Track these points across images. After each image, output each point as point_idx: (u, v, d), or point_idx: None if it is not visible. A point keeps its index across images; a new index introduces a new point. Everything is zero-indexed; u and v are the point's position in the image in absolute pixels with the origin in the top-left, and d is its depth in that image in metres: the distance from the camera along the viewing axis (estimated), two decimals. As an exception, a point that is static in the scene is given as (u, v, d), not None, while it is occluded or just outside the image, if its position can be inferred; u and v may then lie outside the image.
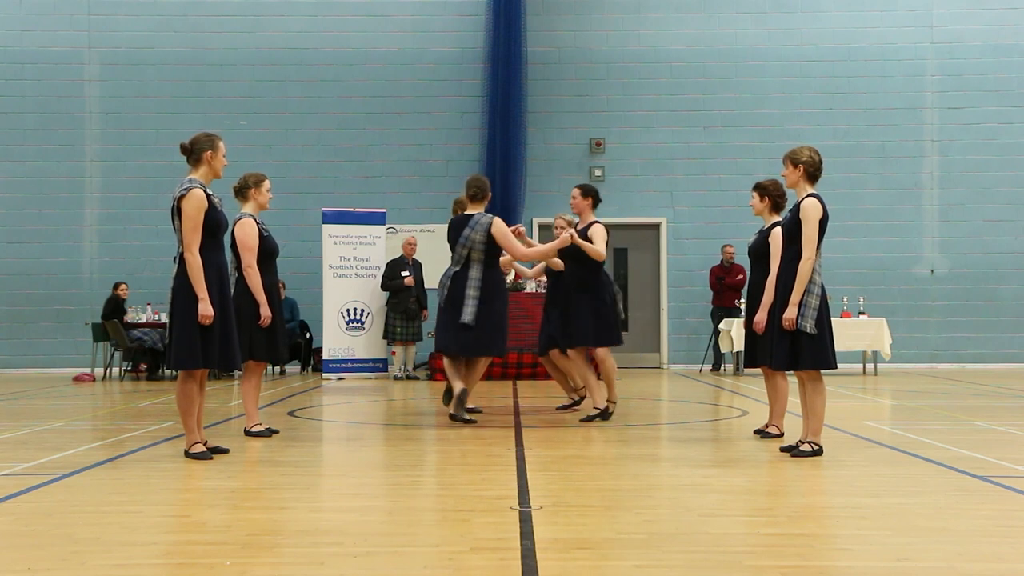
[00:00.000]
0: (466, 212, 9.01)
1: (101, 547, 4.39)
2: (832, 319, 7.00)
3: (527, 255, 9.26)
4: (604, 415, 9.10)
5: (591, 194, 9.19)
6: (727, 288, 16.35)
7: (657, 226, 17.65)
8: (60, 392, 13.10)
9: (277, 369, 16.35)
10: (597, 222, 9.11)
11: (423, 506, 5.44)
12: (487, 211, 9.00)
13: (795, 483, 6.09)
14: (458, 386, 8.89)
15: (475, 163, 17.31)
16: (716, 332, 16.23)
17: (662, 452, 7.59)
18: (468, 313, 8.74)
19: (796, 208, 6.96)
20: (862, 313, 15.99)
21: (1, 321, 17.24)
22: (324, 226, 15.16)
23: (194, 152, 6.87)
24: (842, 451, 7.17)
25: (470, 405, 9.36)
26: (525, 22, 17.27)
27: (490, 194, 9.13)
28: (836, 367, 6.99)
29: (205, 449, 6.87)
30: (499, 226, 8.84)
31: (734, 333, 15.01)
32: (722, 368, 16.56)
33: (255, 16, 17.61)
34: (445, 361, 9.08)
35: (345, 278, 15.22)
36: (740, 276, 16.04)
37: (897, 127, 17.59)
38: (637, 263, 17.93)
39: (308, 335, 16.67)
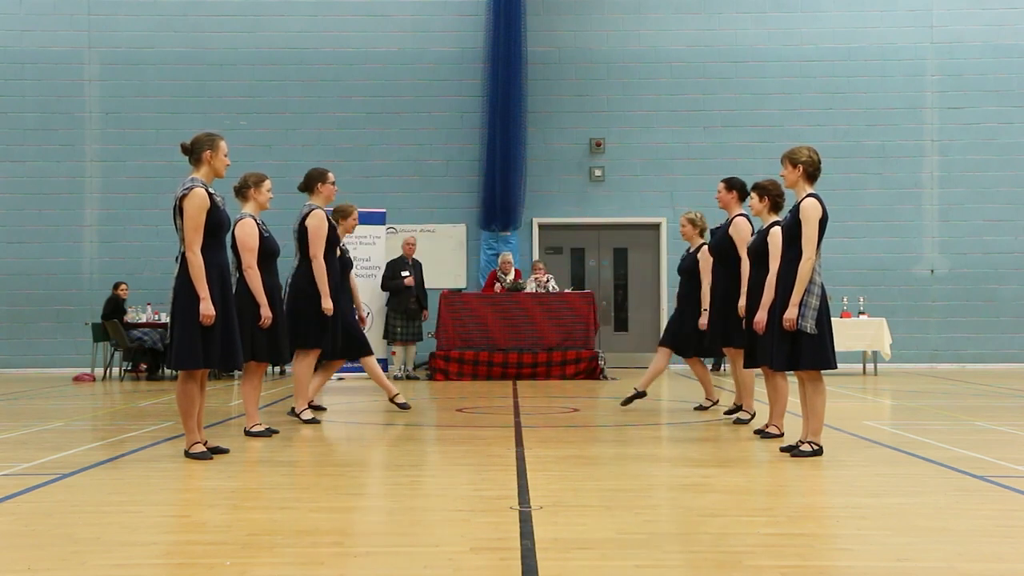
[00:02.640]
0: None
1: (101, 547, 4.39)
2: (832, 319, 7.00)
3: (319, 263, 8.61)
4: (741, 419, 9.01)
5: (736, 187, 8.92)
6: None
7: (657, 226, 17.65)
8: (60, 392, 13.10)
9: (277, 369, 16.34)
10: (742, 215, 8.85)
11: (423, 506, 5.44)
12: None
13: (795, 483, 6.09)
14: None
15: (475, 163, 17.32)
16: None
17: (662, 452, 7.59)
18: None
19: (796, 208, 6.96)
20: (862, 313, 15.99)
21: (1, 321, 17.24)
22: (324, 226, 15.15)
23: (194, 151, 6.88)
24: (842, 451, 7.17)
25: (317, 402, 9.43)
26: (525, 22, 17.27)
27: (319, 184, 8.80)
28: (836, 367, 6.99)
29: (205, 449, 6.87)
30: (312, 218, 8.62)
31: (734, 333, 14.99)
32: (722, 368, 16.55)
33: (255, 16, 17.61)
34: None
35: (345, 278, 15.19)
36: (740, 276, 16.03)
37: (897, 127, 17.59)
38: (637, 263, 17.94)
39: (308, 335, 16.65)
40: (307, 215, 8.68)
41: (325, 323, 8.63)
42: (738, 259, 8.61)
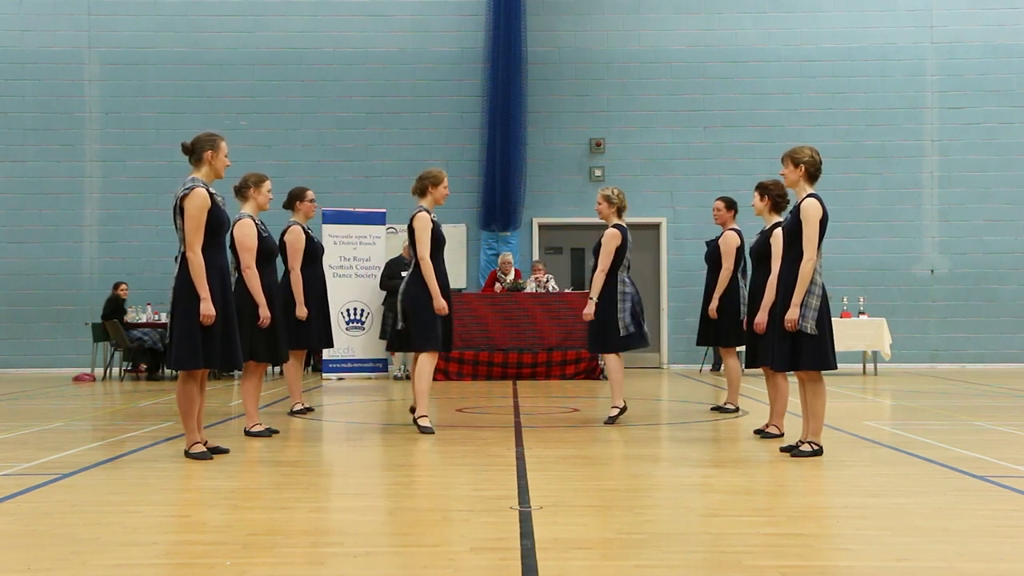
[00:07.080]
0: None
1: (101, 547, 4.39)
2: (832, 319, 6.99)
3: (296, 275, 9.43)
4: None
5: (734, 207, 9.80)
6: (727, 288, 16.34)
7: (657, 226, 17.65)
8: (60, 392, 13.10)
9: (277, 369, 16.34)
10: (734, 229, 9.64)
11: (423, 506, 5.44)
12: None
13: (795, 483, 6.09)
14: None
15: (475, 163, 17.31)
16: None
17: (662, 452, 7.59)
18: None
19: (796, 209, 6.95)
20: (862, 313, 15.98)
21: (1, 321, 17.23)
22: (324, 226, 15.14)
23: (195, 151, 6.88)
24: (842, 451, 7.17)
25: (299, 408, 9.81)
26: (525, 22, 17.26)
27: (297, 202, 9.53)
28: (836, 368, 6.99)
29: (205, 449, 6.87)
30: (290, 234, 9.41)
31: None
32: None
33: (255, 16, 17.61)
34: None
35: (345, 278, 15.21)
36: (740, 276, 16.02)
37: (897, 127, 17.59)
38: (637, 263, 17.81)
39: (308, 335, 16.63)
40: (285, 230, 9.48)
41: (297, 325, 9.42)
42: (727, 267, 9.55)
